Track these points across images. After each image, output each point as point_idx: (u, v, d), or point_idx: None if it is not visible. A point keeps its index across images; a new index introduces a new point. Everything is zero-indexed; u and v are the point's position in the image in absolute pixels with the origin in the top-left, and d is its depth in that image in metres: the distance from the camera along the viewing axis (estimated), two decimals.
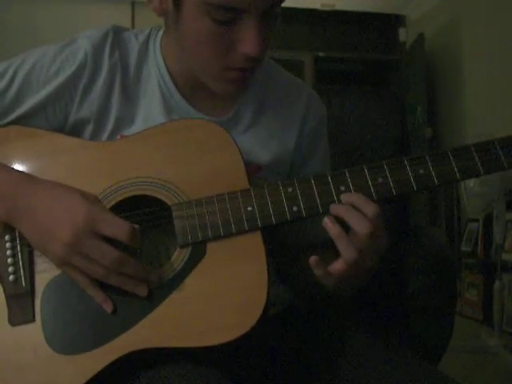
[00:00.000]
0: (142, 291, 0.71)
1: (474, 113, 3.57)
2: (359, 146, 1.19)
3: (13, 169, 0.79)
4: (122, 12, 4.08)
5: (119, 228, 0.70)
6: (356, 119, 1.24)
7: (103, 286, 0.72)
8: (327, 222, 0.71)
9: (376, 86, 4.47)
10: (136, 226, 0.71)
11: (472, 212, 2.94)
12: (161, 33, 0.89)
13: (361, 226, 0.69)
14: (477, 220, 3.24)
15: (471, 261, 3.21)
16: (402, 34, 4.62)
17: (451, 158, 0.74)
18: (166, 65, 0.87)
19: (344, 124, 1.21)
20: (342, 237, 0.70)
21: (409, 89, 4.11)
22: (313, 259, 0.71)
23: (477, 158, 0.74)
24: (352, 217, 0.70)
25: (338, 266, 0.70)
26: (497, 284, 2.67)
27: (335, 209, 0.72)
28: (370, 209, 0.70)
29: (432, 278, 0.96)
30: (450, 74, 3.87)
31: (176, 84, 0.87)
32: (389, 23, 4.63)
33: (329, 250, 0.88)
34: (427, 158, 0.74)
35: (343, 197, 0.73)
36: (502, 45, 3.26)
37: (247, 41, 0.74)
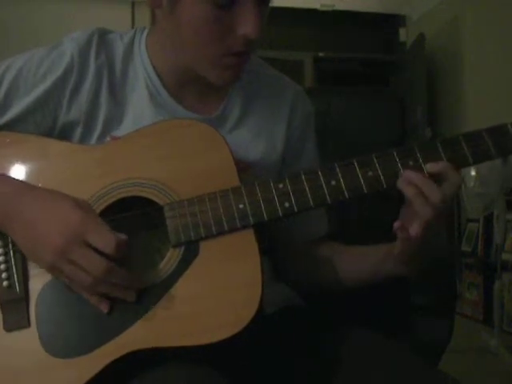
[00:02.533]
0: (131, 297, 0.71)
1: (473, 113, 3.57)
2: (359, 145, 1.19)
3: (5, 175, 0.79)
4: (121, 12, 4.07)
5: (105, 241, 0.69)
6: (356, 119, 1.24)
7: None
8: (403, 183, 0.73)
9: (376, 86, 4.45)
10: (124, 237, 0.70)
11: (472, 212, 2.93)
12: (145, 33, 0.90)
13: (434, 194, 0.71)
14: (477, 220, 3.23)
15: (471, 261, 3.21)
16: (402, 34, 4.61)
17: (440, 148, 0.74)
18: (153, 64, 0.87)
19: (344, 124, 1.21)
20: (419, 196, 0.72)
21: (409, 89, 4.10)
22: (398, 223, 0.73)
23: (466, 148, 0.73)
24: (427, 185, 0.72)
25: (415, 226, 0.72)
26: (497, 284, 2.66)
27: (409, 176, 0.73)
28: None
29: (432, 278, 0.96)
30: (450, 74, 3.87)
31: (163, 82, 0.87)
32: (389, 23, 4.62)
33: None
34: (416, 149, 0.74)
35: (408, 172, 0.73)
36: (502, 45, 3.25)
37: (247, 22, 0.76)
